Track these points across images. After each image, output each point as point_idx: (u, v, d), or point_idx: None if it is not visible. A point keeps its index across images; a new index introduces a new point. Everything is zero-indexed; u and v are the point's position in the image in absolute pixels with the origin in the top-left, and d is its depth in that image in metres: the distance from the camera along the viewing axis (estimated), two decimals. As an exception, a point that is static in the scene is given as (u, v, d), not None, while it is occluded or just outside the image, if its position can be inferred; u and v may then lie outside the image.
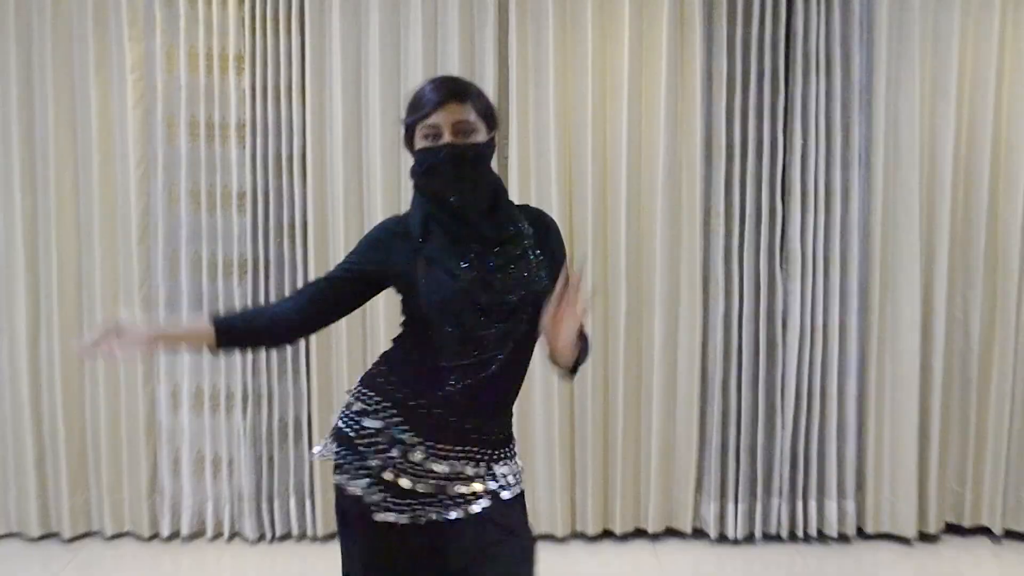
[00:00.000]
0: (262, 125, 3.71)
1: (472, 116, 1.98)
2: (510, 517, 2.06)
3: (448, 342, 1.98)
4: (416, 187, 2.06)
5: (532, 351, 2.08)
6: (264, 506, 3.89)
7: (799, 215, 3.75)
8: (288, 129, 3.72)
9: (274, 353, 3.80)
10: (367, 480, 2.03)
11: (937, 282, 3.81)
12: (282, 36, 3.67)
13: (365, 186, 3.76)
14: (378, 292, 2.12)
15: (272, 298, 3.74)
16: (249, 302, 3.77)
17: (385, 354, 2.16)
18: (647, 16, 3.71)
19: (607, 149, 3.76)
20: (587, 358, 2.05)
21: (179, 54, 3.70)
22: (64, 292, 3.81)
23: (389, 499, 2.02)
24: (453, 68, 3.63)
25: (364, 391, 2.10)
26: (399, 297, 2.09)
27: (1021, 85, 3.74)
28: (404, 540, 2.04)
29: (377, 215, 3.67)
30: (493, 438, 2.08)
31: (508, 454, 2.12)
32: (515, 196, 3.67)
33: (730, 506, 3.88)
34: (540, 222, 2.12)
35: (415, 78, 3.63)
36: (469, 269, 1.97)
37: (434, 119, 1.96)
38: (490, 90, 3.63)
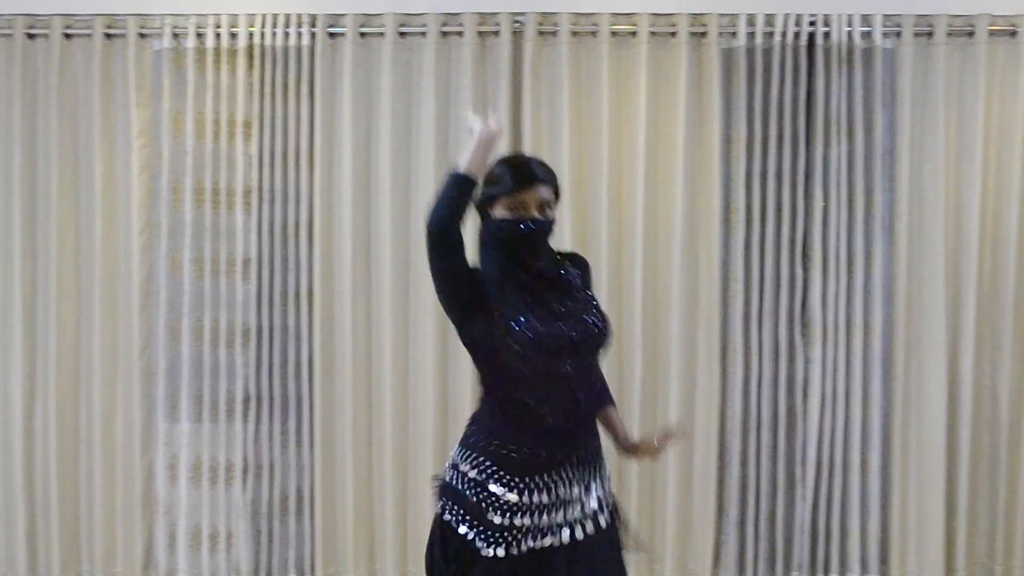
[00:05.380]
0: (269, 192, 4.24)
1: (550, 195, 2.68)
2: (610, 542, 2.76)
3: (532, 384, 2.62)
4: (492, 248, 2.69)
5: (598, 377, 2.83)
6: (264, 582, 4.38)
7: (820, 280, 4.25)
8: (295, 196, 4.26)
9: (275, 424, 4.32)
10: (467, 522, 2.67)
11: (964, 348, 4.30)
12: (291, 102, 4.21)
13: (373, 254, 4.28)
14: (465, 291, 2.67)
15: (276, 369, 4.30)
16: (252, 371, 4.28)
17: (473, 416, 2.82)
18: (664, 80, 4.23)
19: (623, 215, 4.26)
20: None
21: (186, 120, 4.22)
22: (62, 359, 4.33)
23: (490, 535, 2.64)
24: (466, 135, 4.15)
25: (461, 449, 2.75)
26: (475, 355, 2.75)
27: (1048, 148, 4.26)
28: (510, 570, 2.64)
29: (386, 283, 4.22)
30: (584, 456, 2.73)
31: (600, 473, 2.79)
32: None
33: (750, 581, 4.37)
34: (580, 265, 2.86)
35: (426, 144, 4.17)
36: (542, 318, 2.62)
37: (523, 195, 2.63)
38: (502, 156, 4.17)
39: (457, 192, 2.58)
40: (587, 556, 2.69)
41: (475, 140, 2.63)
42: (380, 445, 4.34)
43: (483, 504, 2.66)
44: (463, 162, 2.61)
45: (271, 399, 4.33)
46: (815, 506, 4.35)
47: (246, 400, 4.33)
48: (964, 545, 4.39)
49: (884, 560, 4.42)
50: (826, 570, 4.37)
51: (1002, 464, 4.39)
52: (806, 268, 4.30)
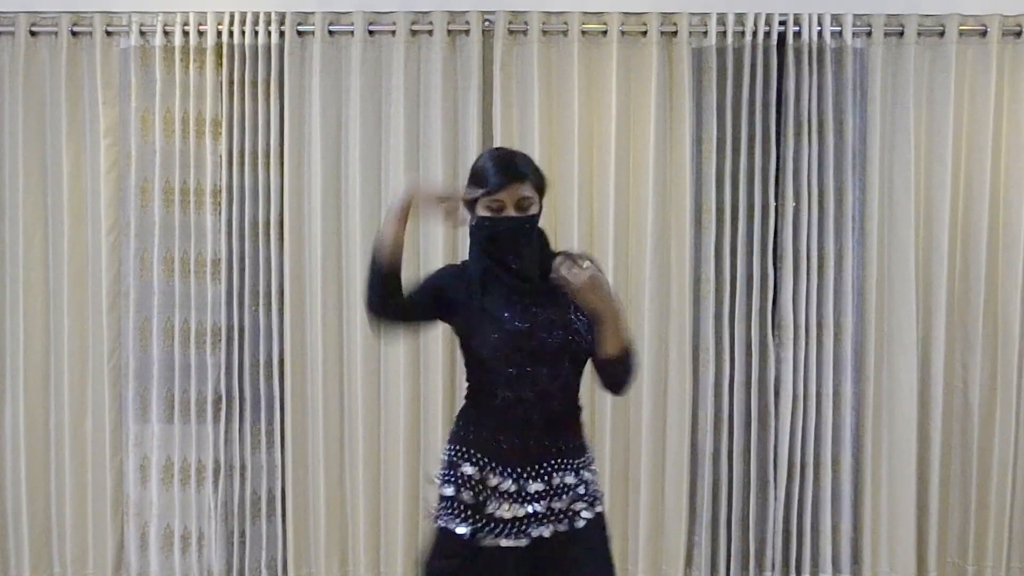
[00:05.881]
0: (238, 190, 4.21)
1: (530, 192, 2.69)
2: (590, 539, 2.75)
3: (505, 380, 2.69)
4: (476, 246, 2.76)
5: (576, 381, 2.79)
6: (236, 583, 4.36)
7: (791, 281, 4.24)
8: (265, 195, 4.22)
9: (247, 424, 4.29)
10: (461, 517, 2.71)
11: (935, 348, 4.31)
12: (260, 100, 4.17)
13: (344, 253, 4.26)
14: (444, 316, 2.82)
15: (247, 370, 4.26)
16: (223, 371, 4.26)
17: (459, 412, 2.88)
18: (635, 80, 4.23)
19: (594, 215, 4.25)
20: (631, 374, 2.77)
21: (154, 119, 4.19)
22: (30, 361, 4.29)
23: (487, 527, 2.70)
24: (435, 134, 4.15)
25: (449, 445, 2.82)
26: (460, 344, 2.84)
27: (1018, 148, 4.27)
28: (503, 560, 2.71)
29: (355, 283, 4.19)
30: (555, 449, 2.75)
31: (574, 466, 2.77)
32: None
33: (722, 581, 4.37)
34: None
35: (396, 143, 4.17)
36: (520, 319, 2.66)
37: (499, 196, 2.65)
38: (472, 156, 4.14)
39: (374, 275, 2.69)
40: (557, 555, 2.72)
41: (394, 205, 2.69)
42: (352, 445, 4.33)
43: (459, 488, 2.73)
44: (379, 234, 2.69)
45: (242, 399, 4.30)
46: (787, 506, 4.34)
47: (217, 401, 4.30)
48: (936, 545, 4.40)
49: (856, 560, 4.42)
50: (798, 570, 4.37)
51: (973, 464, 4.40)
52: (777, 268, 4.29)
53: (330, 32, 4.19)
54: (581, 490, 2.76)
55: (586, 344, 2.71)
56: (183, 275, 4.26)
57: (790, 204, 4.24)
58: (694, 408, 4.33)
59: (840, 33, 4.21)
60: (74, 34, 4.20)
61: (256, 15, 4.15)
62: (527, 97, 4.20)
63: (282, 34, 4.18)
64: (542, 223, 2.78)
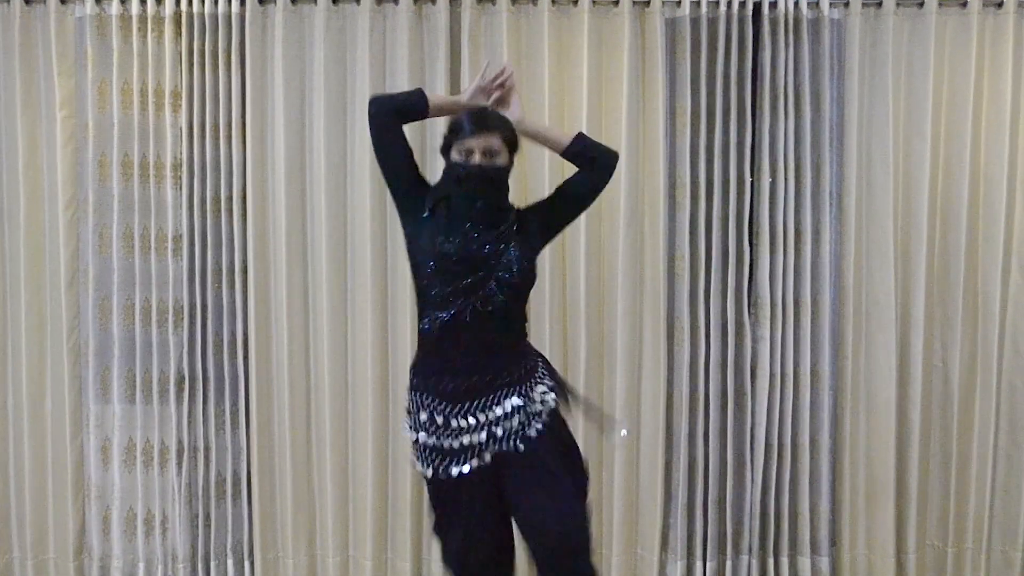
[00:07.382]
0: (199, 164, 4.03)
1: (498, 144, 2.96)
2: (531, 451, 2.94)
3: (435, 292, 2.93)
4: (445, 184, 3.01)
5: (507, 311, 2.97)
6: (200, 567, 4.19)
7: (768, 257, 4.09)
8: (227, 169, 4.04)
9: (210, 404, 4.13)
10: (415, 450, 3.05)
11: (914, 327, 4.18)
12: (221, 71, 4.00)
13: (309, 228, 4.10)
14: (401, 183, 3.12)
15: (210, 349, 4.10)
16: (186, 350, 4.09)
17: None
18: (606, 49, 4.07)
19: (565, 190, 4.09)
20: (594, 147, 3.15)
21: (112, 90, 4.01)
22: (-13, 340, 4.13)
23: (426, 457, 2.99)
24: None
25: (407, 394, 3.09)
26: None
27: (998, 121, 4.12)
28: (457, 488, 2.98)
29: (322, 258, 4.05)
30: (489, 381, 2.94)
31: (509, 392, 2.95)
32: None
33: (698, 564, 4.21)
34: (523, 211, 3.10)
35: (362, 115, 3.91)
36: (455, 241, 2.90)
37: (469, 143, 2.93)
38: (439, 128, 3.95)
39: (405, 96, 3.13)
40: (510, 473, 2.94)
41: (471, 87, 3.20)
42: (319, 425, 4.18)
43: (412, 427, 3.04)
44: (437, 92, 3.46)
45: (205, 379, 4.14)
46: (765, 488, 4.22)
47: (180, 380, 4.14)
48: (915, 526, 4.29)
49: (835, 542, 4.31)
50: (776, 553, 4.26)
51: (953, 445, 4.29)
52: (753, 244, 4.14)
53: (292, 1, 4.02)
54: (519, 418, 2.93)
55: (516, 277, 2.95)
56: (143, 251, 4.09)
57: (766, 179, 4.09)
58: (669, 388, 4.19)
59: (817, 3, 4.06)
60: (27, 2, 4.01)
61: (216, -18, 3.99)
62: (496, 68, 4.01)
63: (243, 3, 4.00)
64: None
